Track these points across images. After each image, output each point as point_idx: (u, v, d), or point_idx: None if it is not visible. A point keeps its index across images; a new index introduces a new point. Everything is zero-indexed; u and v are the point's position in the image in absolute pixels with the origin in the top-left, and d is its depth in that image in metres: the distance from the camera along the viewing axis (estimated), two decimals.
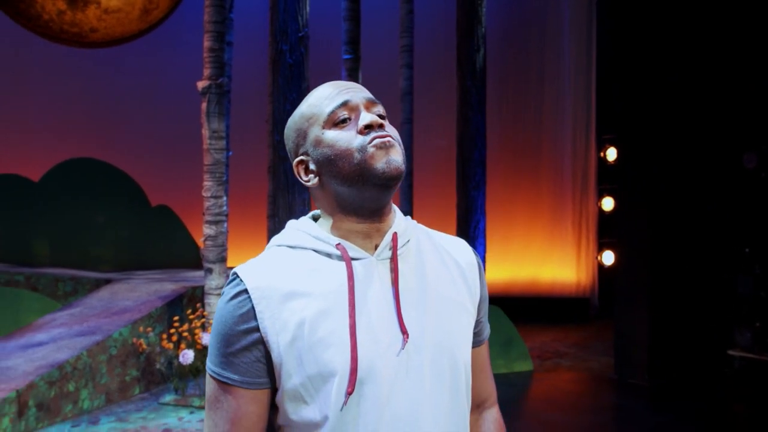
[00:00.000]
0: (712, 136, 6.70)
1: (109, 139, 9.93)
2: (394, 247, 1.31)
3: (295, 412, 1.25)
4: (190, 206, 9.18)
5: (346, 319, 1.23)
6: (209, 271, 5.71)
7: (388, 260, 1.31)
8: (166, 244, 9.95)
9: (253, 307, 1.23)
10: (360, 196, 1.27)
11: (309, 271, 1.27)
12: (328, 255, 1.29)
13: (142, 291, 6.95)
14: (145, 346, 6.00)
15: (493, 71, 9.08)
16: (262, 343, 1.24)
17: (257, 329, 1.23)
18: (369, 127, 1.27)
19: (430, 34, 9.54)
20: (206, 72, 5.72)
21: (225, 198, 5.82)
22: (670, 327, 6.59)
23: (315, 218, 1.40)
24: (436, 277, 1.36)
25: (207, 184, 5.73)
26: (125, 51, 8.29)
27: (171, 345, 5.87)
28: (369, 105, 1.31)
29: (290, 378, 1.23)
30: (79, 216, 9.63)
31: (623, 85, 6.97)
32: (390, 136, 1.27)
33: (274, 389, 1.28)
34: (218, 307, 1.28)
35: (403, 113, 7.95)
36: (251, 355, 1.24)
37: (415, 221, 1.44)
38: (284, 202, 6.04)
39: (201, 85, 5.71)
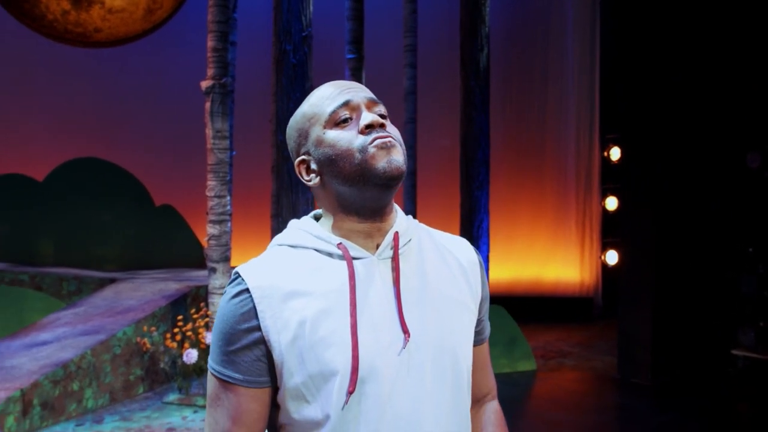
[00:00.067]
0: (715, 135, 6.69)
1: (113, 139, 9.95)
2: (395, 247, 1.31)
3: (296, 410, 1.26)
4: (193, 206, 9.19)
5: (347, 318, 1.24)
6: (213, 270, 5.72)
7: (390, 259, 1.31)
8: (170, 244, 9.96)
9: (254, 306, 1.24)
10: (361, 196, 1.28)
11: (310, 271, 1.28)
12: (330, 254, 1.30)
13: (146, 290, 6.96)
14: (149, 346, 6.01)
15: (497, 71, 9.08)
16: (263, 342, 1.24)
17: (258, 328, 1.24)
18: (370, 127, 1.27)
19: (434, 34, 9.54)
20: (210, 72, 5.73)
21: (228, 197, 5.83)
22: (673, 326, 6.59)
23: (317, 217, 1.40)
24: (438, 277, 1.36)
25: (210, 183, 5.74)
26: (129, 51, 8.30)
27: (175, 344, 5.88)
28: (370, 105, 1.32)
29: (292, 377, 1.24)
30: (83, 215, 9.64)
31: (627, 84, 6.96)
32: (391, 136, 1.28)
33: (275, 388, 1.28)
34: (220, 305, 1.29)
35: (407, 113, 7.95)
36: (252, 353, 1.25)
37: (416, 220, 1.44)
38: (288, 202, 6.05)
39: (204, 84, 5.72)
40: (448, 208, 8.65)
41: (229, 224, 5.81)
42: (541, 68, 10.45)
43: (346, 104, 1.30)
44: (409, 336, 1.27)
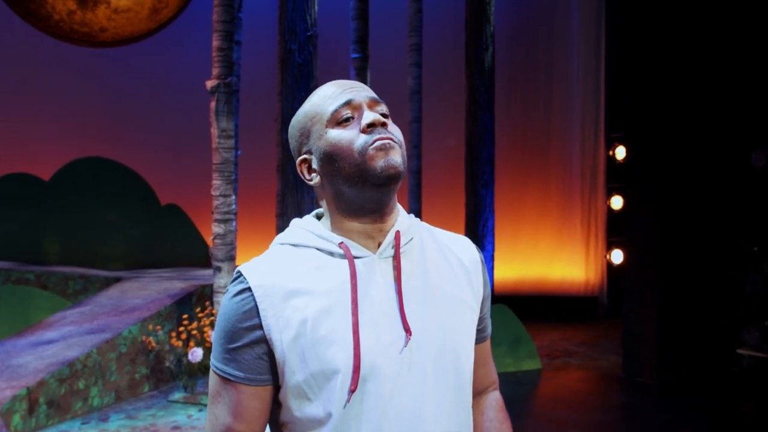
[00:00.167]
0: (720, 134, 6.68)
1: (119, 138, 9.96)
2: (396, 246, 1.32)
3: (298, 409, 1.26)
4: (199, 205, 9.21)
5: (348, 317, 1.24)
6: (218, 269, 5.74)
7: (391, 258, 1.32)
8: (176, 243, 9.98)
9: (256, 305, 1.25)
10: (361, 196, 1.28)
11: (312, 269, 1.28)
12: (331, 253, 1.30)
13: (152, 289, 6.98)
14: (154, 344, 6.02)
15: (502, 70, 9.07)
16: (264, 341, 1.25)
17: (260, 326, 1.24)
18: (371, 126, 1.28)
19: (439, 33, 9.53)
20: (215, 71, 5.75)
21: (234, 197, 5.84)
22: (678, 325, 6.58)
23: (319, 216, 1.41)
24: (439, 275, 1.36)
25: (216, 182, 5.76)
26: (135, 50, 8.33)
27: (180, 343, 5.90)
28: (372, 104, 1.32)
29: (293, 375, 1.24)
30: (89, 215, 9.67)
31: (632, 81, 6.95)
32: (390, 137, 1.28)
33: (276, 386, 1.29)
34: (222, 304, 1.30)
35: (412, 112, 7.95)
36: (254, 351, 1.26)
37: (418, 219, 1.44)
38: (293, 201, 6.06)
39: (210, 84, 5.73)
40: (453, 207, 8.65)
41: (234, 223, 5.82)
42: (546, 67, 10.44)
43: (347, 103, 1.30)
44: (410, 334, 1.27)
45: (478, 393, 1.53)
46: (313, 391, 1.24)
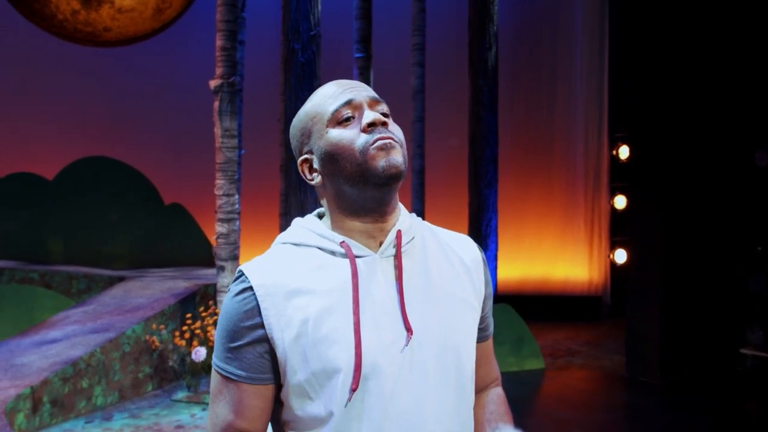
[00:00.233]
0: (724, 133, 6.66)
1: (123, 138, 9.99)
2: (398, 245, 1.32)
3: (300, 407, 1.27)
4: (202, 204, 9.22)
5: (350, 316, 1.24)
6: (221, 268, 5.74)
7: (392, 257, 1.32)
8: (179, 242, 9.99)
9: (257, 304, 1.25)
10: (361, 196, 1.28)
11: (313, 269, 1.29)
12: (333, 252, 1.31)
13: (155, 288, 6.99)
14: (158, 344, 6.03)
15: (505, 69, 9.08)
16: (266, 340, 1.25)
17: (262, 326, 1.25)
18: (372, 126, 1.28)
19: (442, 33, 9.53)
20: (218, 71, 5.75)
21: (237, 196, 5.85)
22: (682, 325, 6.57)
23: (320, 216, 1.41)
24: (441, 275, 1.36)
25: (219, 182, 5.76)
26: (138, 50, 8.34)
27: (183, 342, 5.91)
28: (372, 103, 1.32)
29: (295, 374, 1.24)
30: (93, 214, 9.69)
31: (635, 80, 6.94)
32: (391, 137, 1.28)
33: (278, 385, 1.29)
34: (224, 303, 1.30)
35: (415, 112, 7.96)
36: (255, 350, 1.26)
37: (419, 218, 1.44)
38: (296, 201, 6.07)
39: (213, 83, 5.74)
40: (456, 207, 8.66)
41: (237, 223, 5.83)
42: (550, 66, 10.44)
43: (348, 103, 1.31)
44: (411, 333, 1.27)
45: (480, 390, 1.53)
46: (315, 390, 1.24)
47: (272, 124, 6.72)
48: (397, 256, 1.31)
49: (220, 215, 5.76)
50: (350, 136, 1.28)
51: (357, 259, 1.29)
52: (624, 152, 9.22)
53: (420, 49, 8.01)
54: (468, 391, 1.36)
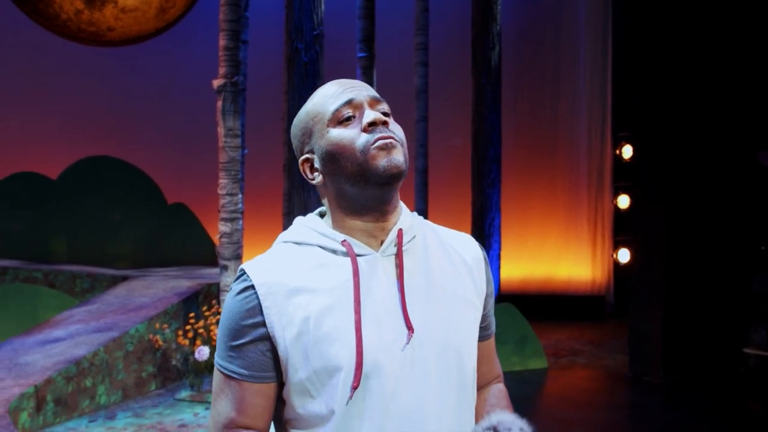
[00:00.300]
0: (727, 133, 6.65)
1: (126, 138, 9.99)
2: (399, 244, 1.32)
3: (301, 406, 1.27)
4: (206, 204, 9.23)
5: (351, 314, 1.25)
6: (225, 268, 5.75)
7: (394, 256, 1.32)
8: (183, 242, 10.01)
9: (259, 303, 1.25)
10: (362, 195, 1.29)
11: (315, 267, 1.29)
12: (334, 251, 1.31)
13: (159, 288, 7.00)
14: (161, 343, 6.04)
15: (509, 69, 9.07)
16: (268, 338, 1.26)
17: (263, 324, 1.25)
18: (373, 125, 1.28)
19: (445, 32, 9.54)
20: (222, 70, 5.76)
21: (240, 195, 5.85)
22: (685, 325, 6.57)
23: (322, 215, 1.41)
24: (442, 273, 1.36)
25: (222, 181, 5.77)
26: (141, 50, 8.35)
27: (187, 341, 5.92)
28: (373, 103, 1.33)
29: (296, 372, 1.25)
30: (96, 213, 9.70)
31: (639, 79, 6.93)
32: (392, 136, 1.28)
33: (280, 383, 1.30)
34: (225, 302, 1.31)
35: (418, 111, 7.96)
36: (257, 349, 1.26)
37: (421, 217, 1.44)
38: (299, 200, 6.08)
39: (216, 83, 5.75)
40: (459, 206, 8.66)
41: (240, 222, 5.83)
42: (553, 66, 10.43)
43: (348, 103, 1.31)
44: (412, 332, 1.27)
45: (481, 387, 1.53)
46: (316, 388, 1.25)
47: (275, 123, 6.72)
48: (399, 255, 1.32)
49: (223, 214, 5.76)
50: (351, 135, 1.28)
51: (358, 258, 1.29)
52: (627, 152, 9.22)
53: (423, 49, 8.01)
54: (469, 389, 1.36)
